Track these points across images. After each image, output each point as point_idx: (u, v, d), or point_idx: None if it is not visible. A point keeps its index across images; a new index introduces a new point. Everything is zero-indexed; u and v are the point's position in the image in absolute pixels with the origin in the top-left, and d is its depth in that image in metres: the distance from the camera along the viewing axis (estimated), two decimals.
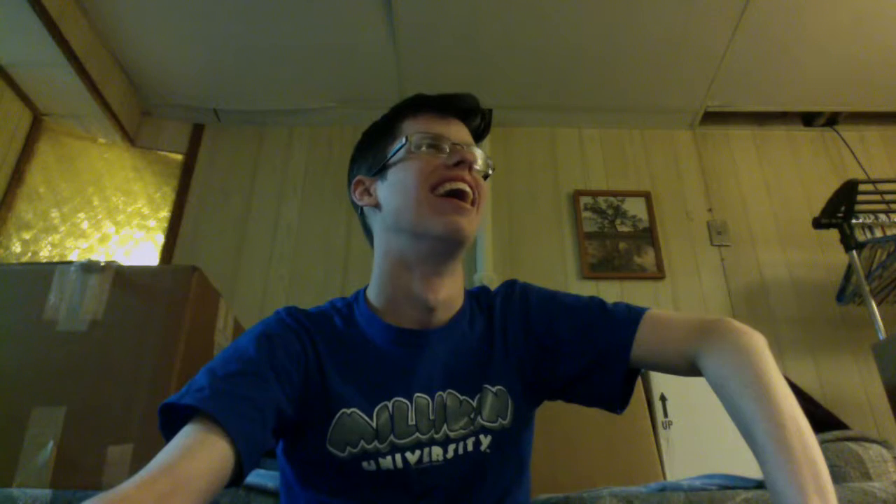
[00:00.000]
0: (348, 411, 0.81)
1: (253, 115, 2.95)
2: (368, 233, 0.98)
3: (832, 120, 3.06)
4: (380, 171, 0.92)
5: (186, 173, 2.84)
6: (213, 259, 2.63)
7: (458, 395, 0.86)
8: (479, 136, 0.99)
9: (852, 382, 2.47)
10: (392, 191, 0.89)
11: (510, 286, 0.99)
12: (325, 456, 0.79)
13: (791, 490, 0.61)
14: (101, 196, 2.65)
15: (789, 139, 3.07)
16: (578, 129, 3.05)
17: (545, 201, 2.86)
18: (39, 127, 2.58)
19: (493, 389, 0.87)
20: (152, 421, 1.03)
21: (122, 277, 1.16)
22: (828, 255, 2.67)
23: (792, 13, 2.47)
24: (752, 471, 0.82)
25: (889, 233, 2.25)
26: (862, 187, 2.26)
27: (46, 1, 2.12)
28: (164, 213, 2.73)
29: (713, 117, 3.02)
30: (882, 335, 2.10)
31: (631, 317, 0.87)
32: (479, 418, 0.85)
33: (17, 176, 2.45)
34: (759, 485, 1.01)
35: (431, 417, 0.84)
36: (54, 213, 2.52)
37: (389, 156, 0.90)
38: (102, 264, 1.18)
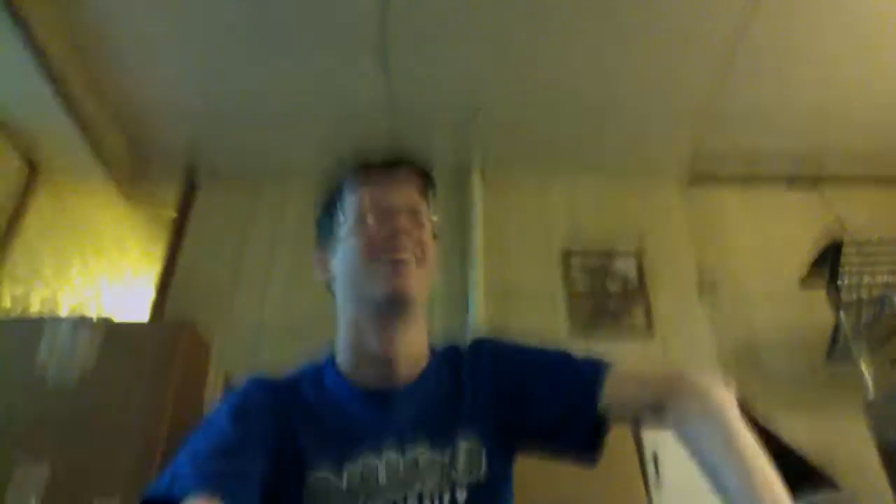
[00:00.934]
0: (320, 475, 0.82)
1: (247, 171, 2.99)
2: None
3: (815, 182, 3.14)
4: (330, 245, 0.98)
5: (180, 228, 2.85)
6: (204, 313, 2.60)
7: (429, 451, 0.86)
8: (426, 189, 0.99)
9: (844, 440, 2.45)
10: (340, 266, 0.95)
11: (478, 344, 1.01)
12: None
13: None
14: (94, 250, 2.66)
15: (775, 199, 3.13)
16: (569, 188, 3.09)
17: (536, 259, 2.88)
18: (36, 180, 2.60)
19: (466, 444, 0.88)
20: (139, 474, 1.02)
21: (113, 333, 1.17)
22: (816, 314, 2.69)
23: (776, 80, 2.56)
24: None
25: (874, 293, 2.28)
26: (846, 248, 2.30)
27: (49, 55, 2.18)
28: (157, 268, 2.73)
29: (702, 177, 3.08)
30: (871, 393, 2.10)
31: (598, 369, 0.89)
32: (452, 473, 0.85)
33: (11, 228, 2.46)
34: None
35: (402, 476, 0.84)
36: (47, 267, 2.52)
37: (334, 232, 0.96)
38: (94, 320, 1.19)
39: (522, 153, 2.95)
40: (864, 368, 2.16)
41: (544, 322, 2.70)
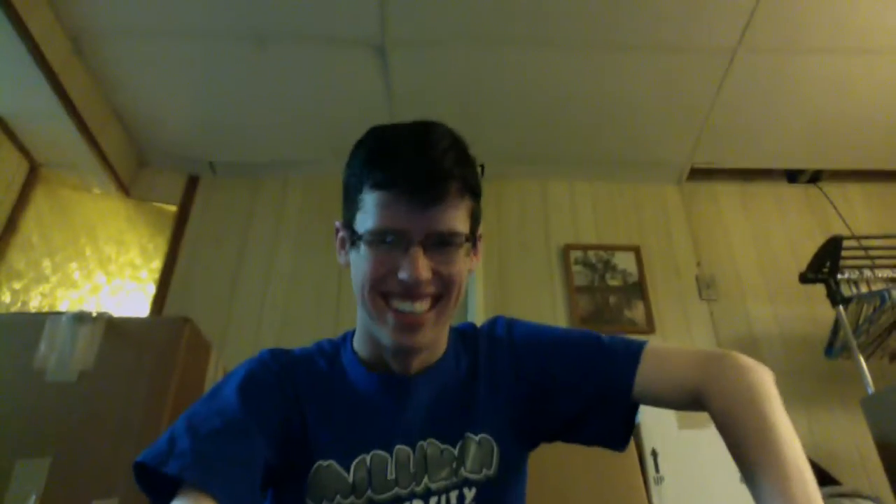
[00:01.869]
0: (325, 463, 0.79)
1: (247, 166, 2.99)
2: None
3: (815, 177, 3.14)
4: (348, 228, 0.84)
5: (180, 224, 2.85)
6: (204, 310, 2.62)
7: (439, 444, 0.83)
8: (468, 196, 0.82)
9: (843, 436, 2.46)
10: (353, 276, 0.83)
11: (493, 323, 0.96)
12: None
13: None
14: (93, 246, 2.66)
15: (774, 195, 3.13)
16: (569, 183, 3.10)
17: (536, 254, 2.89)
18: (36, 177, 2.60)
19: (476, 438, 0.85)
20: None
21: (113, 328, 1.16)
22: (815, 309, 2.69)
23: (774, 74, 2.56)
24: None
25: (874, 288, 2.28)
26: (846, 243, 2.30)
27: (48, 54, 2.17)
28: (157, 264, 2.73)
29: (700, 173, 3.08)
30: (870, 389, 2.11)
31: (631, 351, 0.85)
32: (461, 469, 0.82)
33: (11, 225, 2.46)
34: None
35: (412, 470, 0.81)
36: (46, 263, 2.52)
37: (353, 224, 0.82)
38: (94, 315, 1.18)
39: (522, 150, 2.95)
40: (864, 363, 2.16)
41: (544, 317, 2.71)
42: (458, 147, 0.82)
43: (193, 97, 2.66)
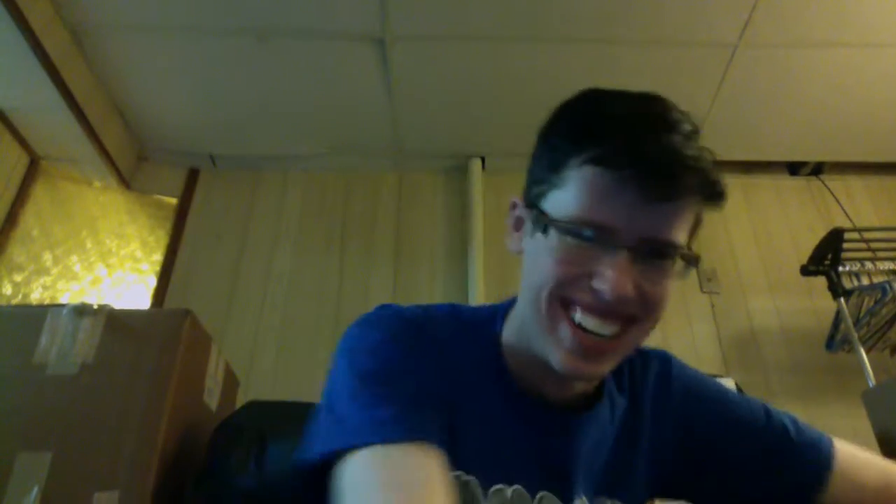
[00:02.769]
0: (467, 478, 0.64)
1: (248, 160, 2.99)
2: None
3: (817, 169, 3.13)
4: (532, 208, 0.70)
5: (180, 217, 2.85)
6: (204, 303, 2.62)
7: (609, 500, 0.71)
8: (700, 206, 0.66)
9: (843, 429, 2.45)
10: (527, 268, 0.70)
11: (665, 364, 0.79)
12: None
13: None
14: (94, 239, 2.66)
15: (776, 187, 3.12)
16: None
17: None
18: (36, 170, 2.60)
19: (636, 490, 0.73)
20: (140, 468, 1.02)
21: (114, 321, 1.16)
22: (817, 302, 2.69)
23: (776, 67, 2.55)
24: None
25: (875, 280, 2.27)
26: (847, 235, 2.29)
27: (48, 47, 2.16)
28: (157, 257, 2.73)
29: None
30: (871, 382, 2.11)
31: (822, 452, 0.75)
32: None
33: (12, 218, 2.46)
34: None
35: None
36: (46, 256, 2.52)
37: (542, 205, 0.67)
38: (95, 307, 1.18)
39: (523, 144, 2.93)
40: (865, 356, 2.16)
41: None
42: (699, 135, 0.63)
43: (194, 91, 2.65)
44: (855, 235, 2.34)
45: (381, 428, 0.57)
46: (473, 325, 0.74)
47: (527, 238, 0.71)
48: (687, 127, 0.61)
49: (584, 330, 0.61)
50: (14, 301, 2.36)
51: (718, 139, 2.81)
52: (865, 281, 2.29)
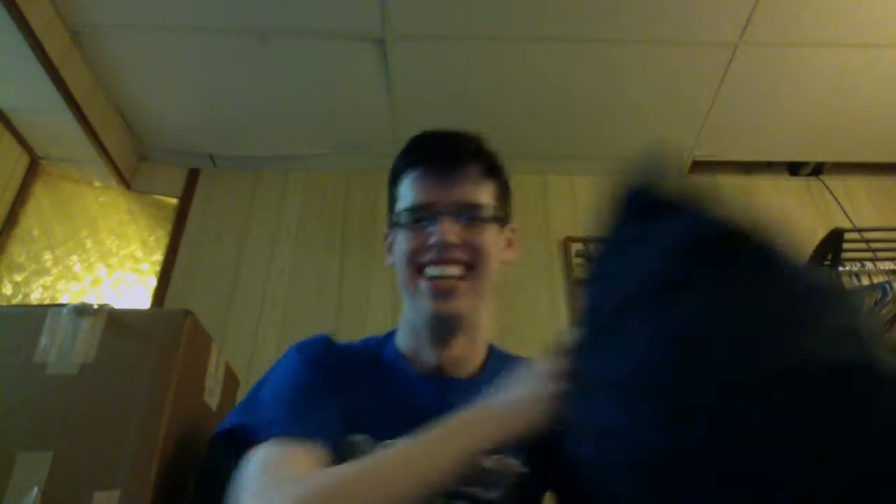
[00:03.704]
0: (360, 437, 0.83)
1: (248, 160, 2.99)
2: None
3: (817, 169, 3.13)
4: (393, 227, 0.95)
5: (181, 217, 2.85)
6: (204, 303, 2.62)
7: None
8: (490, 176, 0.95)
9: None
10: (394, 259, 0.93)
11: None
12: None
13: None
14: (94, 239, 2.66)
15: (776, 188, 3.12)
16: (569, 176, 3.10)
17: (536, 247, 2.88)
18: (36, 170, 2.60)
19: (511, 460, 0.86)
20: (140, 467, 1.02)
21: (114, 321, 1.16)
22: None
23: (776, 67, 2.55)
24: None
25: (875, 280, 2.28)
26: (847, 235, 2.29)
27: (48, 47, 2.17)
28: (157, 257, 2.73)
29: (701, 166, 3.07)
30: None
31: None
32: (490, 481, 0.84)
33: (12, 218, 2.46)
34: None
35: None
36: (47, 256, 2.52)
37: (393, 218, 0.94)
38: (95, 307, 1.18)
39: (522, 144, 2.94)
40: None
41: (544, 310, 2.71)
42: (481, 140, 0.94)
43: (194, 91, 2.65)
44: (855, 235, 2.34)
45: (278, 424, 0.76)
46: (375, 341, 0.98)
47: (394, 245, 0.94)
48: (468, 136, 0.93)
49: (435, 278, 0.85)
50: (14, 301, 2.36)
51: (718, 139, 2.84)
52: (865, 281, 2.29)
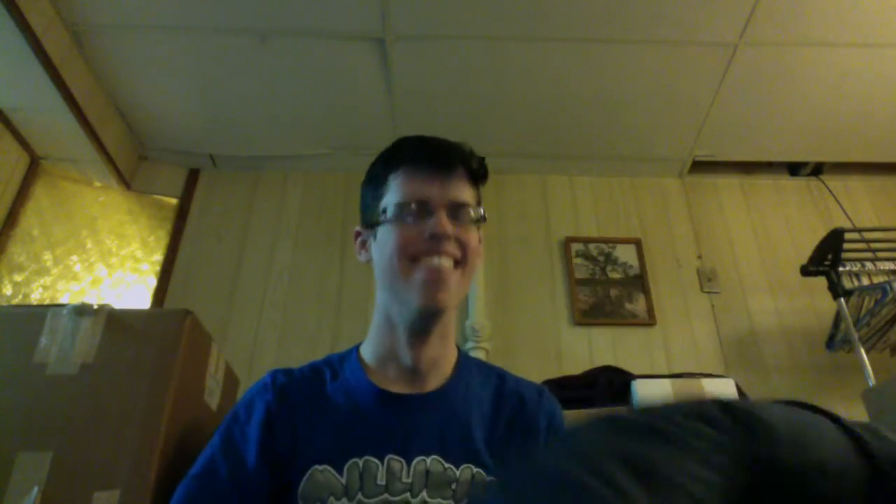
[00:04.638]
0: (320, 468, 0.83)
1: (248, 160, 2.99)
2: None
3: (817, 170, 3.13)
4: (371, 226, 0.95)
5: (181, 217, 2.85)
6: (205, 303, 2.62)
7: (444, 463, 0.85)
8: (475, 181, 0.98)
9: None
10: (379, 252, 0.92)
11: (543, 394, 0.98)
12: None
13: None
14: (94, 239, 2.66)
15: (776, 188, 3.13)
16: (570, 176, 3.10)
17: (536, 248, 2.88)
18: (36, 170, 2.60)
19: (474, 471, 0.86)
20: (140, 467, 1.02)
21: (114, 321, 1.16)
22: (817, 302, 2.69)
23: (776, 67, 2.55)
24: None
25: (875, 280, 2.28)
26: (848, 236, 2.29)
27: (48, 47, 2.17)
28: (158, 257, 2.73)
29: (701, 166, 3.08)
30: (872, 382, 2.11)
31: None
32: (457, 493, 0.84)
33: (12, 218, 2.46)
34: None
35: (406, 481, 0.83)
36: (47, 256, 2.52)
37: (377, 215, 0.93)
38: (95, 307, 1.18)
39: (522, 144, 2.94)
40: (865, 356, 2.16)
41: (545, 310, 2.71)
42: (467, 146, 0.97)
43: (194, 91, 2.65)
44: (855, 236, 2.34)
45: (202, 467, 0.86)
46: (338, 357, 0.98)
47: (372, 244, 0.95)
48: (450, 141, 0.95)
49: (430, 267, 0.86)
50: (14, 301, 2.36)
51: (718, 139, 2.84)
52: (866, 281, 2.29)
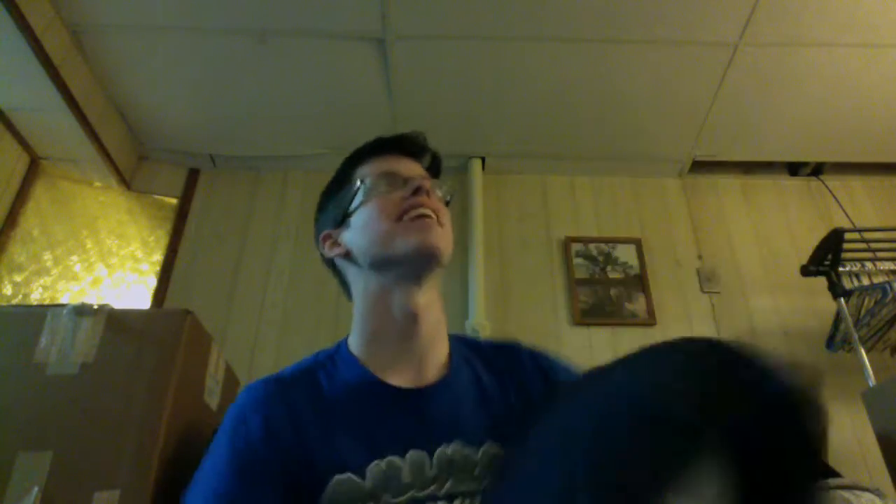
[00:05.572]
0: (342, 477, 0.78)
1: (248, 160, 2.99)
2: (345, 285, 1.01)
3: (817, 170, 3.13)
4: (343, 219, 0.95)
5: (181, 217, 2.85)
6: (204, 303, 2.62)
7: (465, 448, 0.83)
8: (433, 174, 1.02)
9: (843, 430, 2.46)
10: (359, 233, 0.91)
11: (517, 348, 1.02)
12: None
13: None
14: (94, 239, 2.66)
15: (776, 188, 3.13)
16: (569, 176, 3.10)
17: (536, 248, 2.88)
18: (36, 170, 2.60)
19: (493, 449, 0.84)
20: (140, 467, 1.01)
21: (114, 321, 1.16)
22: (817, 302, 2.69)
23: (776, 67, 2.55)
24: None
25: (875, 280, 2.28)
26: (848, 236, 2.29)
27: (49, 47, 2.17)
28: (158, 257, 2.73)
29: (701, 166, 3.08)
30: (872, 382, 2.11)
31: None
32: (481, 474, 0.82)
33: (12, 218, 2.46)
34: None
35: (431, 474, 0.80)
36: (47, 256, 2.52)
37: (350, 202, 0.94)
38: (95, 307, 1.17)
39: (523, 144, 2.94)
40: (865, 356, 2.16)
41: (545, 310, 2.71)
42: (420, 134, 1.01)
43: (194, 91, 2.65)
44: (855, 236, 2.34)
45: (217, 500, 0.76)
46: (325, 355, 0.93)
47: (345, 234, 0.94)
48: (411, 134, 1.00)
49: (418, 215, 0.87)
50: (14, 301, 2.36)
51: (718, 139, 2.84)
52: (865, 281, 2.29)
